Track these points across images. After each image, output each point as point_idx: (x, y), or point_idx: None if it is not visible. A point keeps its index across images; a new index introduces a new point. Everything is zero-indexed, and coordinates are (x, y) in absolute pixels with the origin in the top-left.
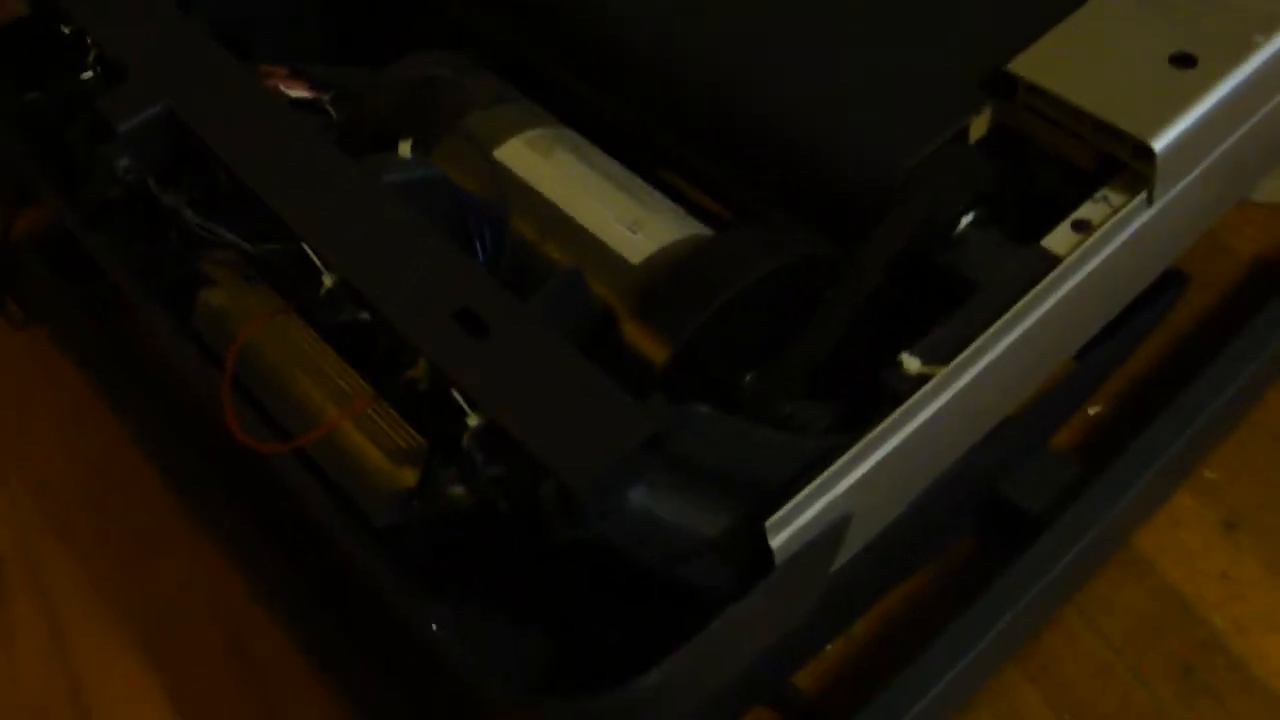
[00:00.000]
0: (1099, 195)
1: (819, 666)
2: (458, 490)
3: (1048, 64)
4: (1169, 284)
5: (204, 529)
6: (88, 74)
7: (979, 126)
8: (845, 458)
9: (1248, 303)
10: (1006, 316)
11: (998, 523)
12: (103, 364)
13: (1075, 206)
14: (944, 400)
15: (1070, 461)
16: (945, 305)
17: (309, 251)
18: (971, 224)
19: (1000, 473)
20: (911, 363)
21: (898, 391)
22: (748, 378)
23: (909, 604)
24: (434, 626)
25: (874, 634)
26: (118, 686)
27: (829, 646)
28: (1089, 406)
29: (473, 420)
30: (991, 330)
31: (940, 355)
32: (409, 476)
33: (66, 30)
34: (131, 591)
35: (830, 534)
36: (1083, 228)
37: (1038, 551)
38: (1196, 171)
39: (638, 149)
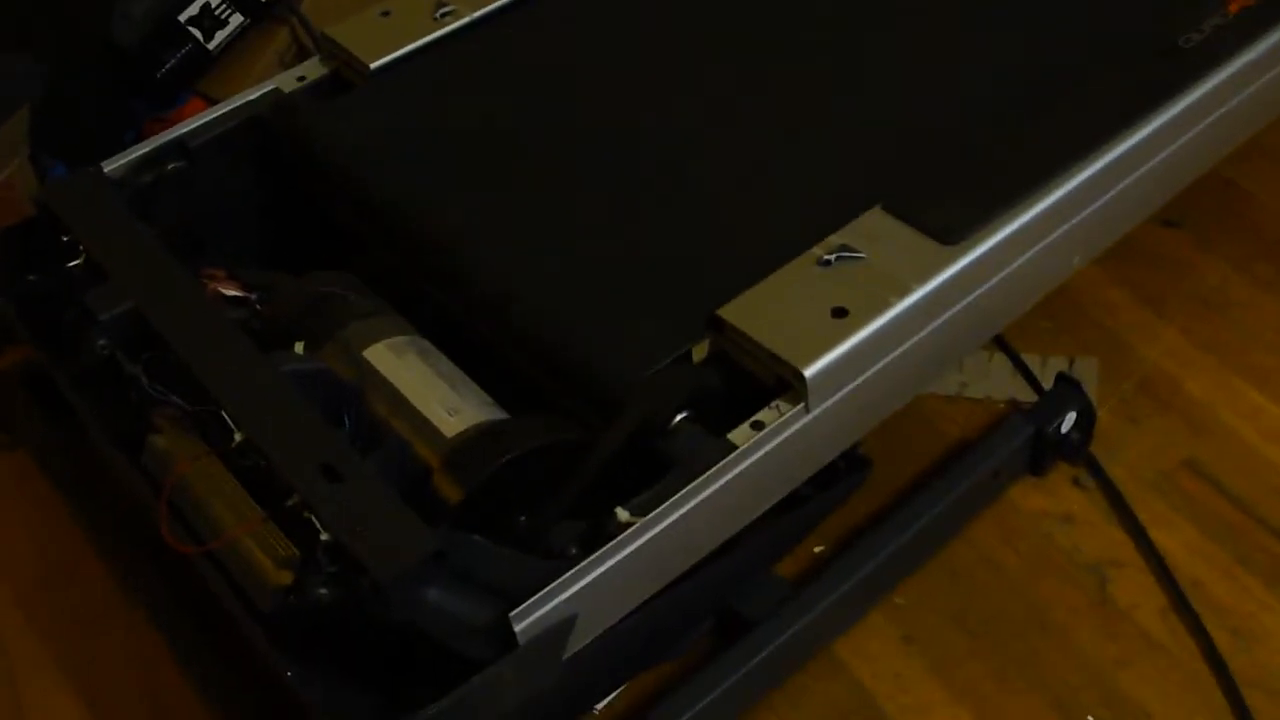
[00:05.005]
0: (773, 404)
1: None
2: (321, 591)
3: (748, 311)
4: (855, 467)
5: (143, 615)
6: (75, 263)
7: (700, 351)
8: (567, 575)
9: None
10: (690, 486)
11: (727, 626)
12: (71, 482)
13: (757, 410)
14: (641, 542)
15: (785, 582)
16: (655, 476)
17: (225, 416)
18: (684, 420)
19: (732, 590)
20: (622, 514)
21: (610, 533)
22: (521, 518)
23: (660, 680)
24: (288, 674)
25: (629, 705)
26: None
27: (596, 709)
28: (815, 546)
29: (324, 536)
30: (678, 495)
31: (642, 511)
32: (287, 578)
33: (65, 237)
34: (81, 663)
35: (560, 627)
36: (759, 427)
37: (747, 643)
38: (843, 392)
39: (469, 347)
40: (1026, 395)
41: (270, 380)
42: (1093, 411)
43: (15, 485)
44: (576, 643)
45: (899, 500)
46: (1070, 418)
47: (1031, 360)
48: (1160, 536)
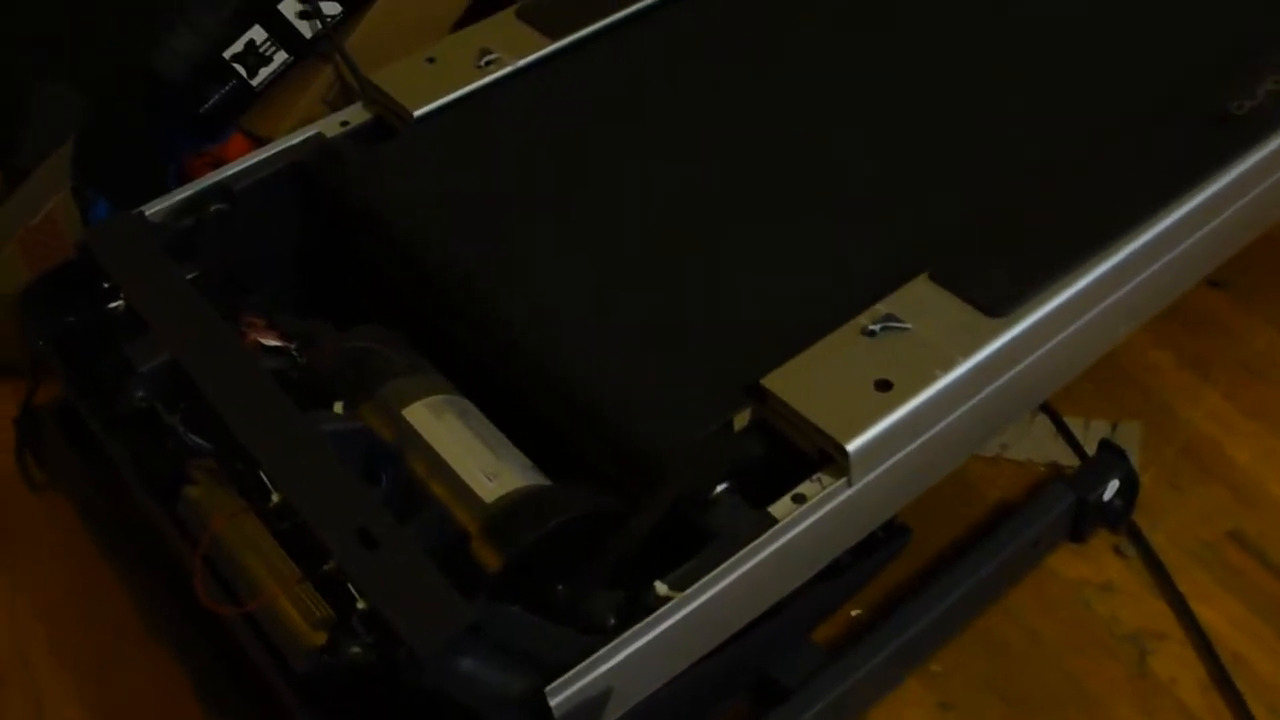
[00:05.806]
0: (815, 477)
1: None
2: (355, 651)
3: (790, 381)
4: (894, 535)
5: (168, 654)
6: (115, 305)
7: (742, 420)
8: (604, 649)
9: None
10: (729, 561)
11: (763, 692)
12: (99, 516)
13: (798, 480)
14: (679, 616)
15: (821, 649)
16: (695, 548)
17: (263, 476)
18: (724, 491)
19: (768, 656)
20: (661, 588)
21: (648, 606)
22: (560, 587)
23: None
24: None
25: None
26: None
27: None
28: (852, 610)
29: (360, 604)
30: (717, 570)
31: (680, 585)
32: (321, 639)
33: (105, 284)
34: (104, 692)
35: (596, 700)
36: (800, 500)
37: (783, 710)
38: (885, 465)
39: (506, 405)
40: (1068, 458)
41: (308, 441)
42: (1136, 479)
43: (45, 509)
44: (611, 715)
45: (937, 567)
46: (1113, 485)
47: (1074, 423)
48: (1202, 609)
